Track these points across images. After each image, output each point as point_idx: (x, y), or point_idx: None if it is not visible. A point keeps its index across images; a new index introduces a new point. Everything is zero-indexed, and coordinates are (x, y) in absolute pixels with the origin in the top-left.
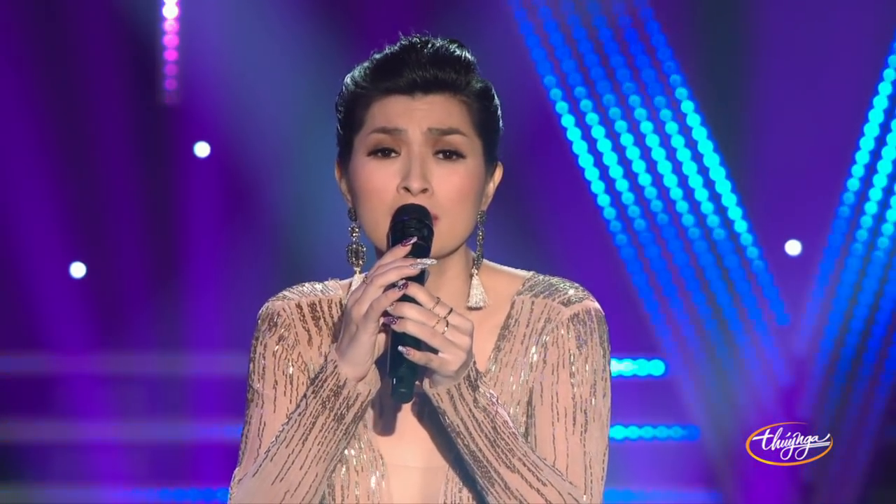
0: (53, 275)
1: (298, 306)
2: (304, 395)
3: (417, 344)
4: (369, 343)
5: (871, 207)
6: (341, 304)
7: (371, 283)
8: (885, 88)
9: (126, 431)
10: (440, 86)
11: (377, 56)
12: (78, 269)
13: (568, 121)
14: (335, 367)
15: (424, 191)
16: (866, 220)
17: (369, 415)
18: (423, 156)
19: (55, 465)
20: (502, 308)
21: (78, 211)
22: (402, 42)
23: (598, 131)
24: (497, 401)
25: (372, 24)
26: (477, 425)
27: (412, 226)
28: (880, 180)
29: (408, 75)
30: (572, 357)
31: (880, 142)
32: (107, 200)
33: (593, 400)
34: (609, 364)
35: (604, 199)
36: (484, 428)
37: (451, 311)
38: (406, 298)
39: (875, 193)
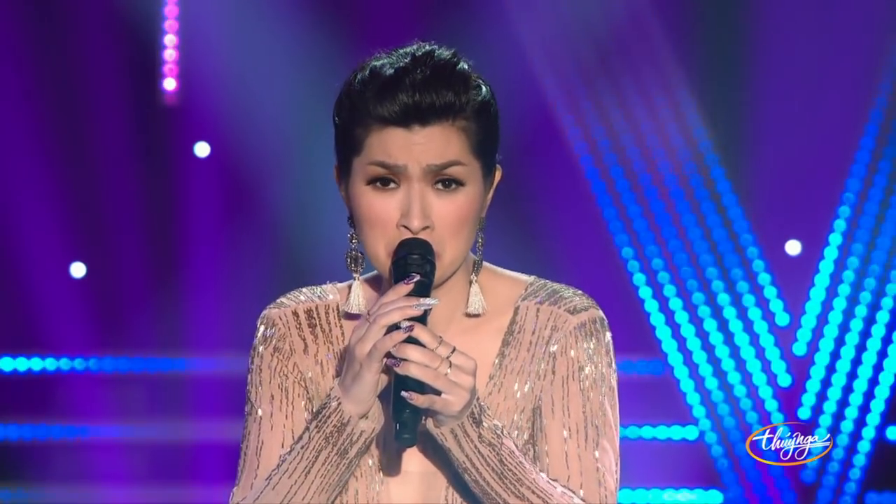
0: (53, 275)
1: (294, 313)
2: (307, 428)
3: (421, 385)
4: (373, 382)
5: (871, 207)
6: (338, 310)
7: (374, 322)
8: (885, 87)
9: (126, 431)
10: (437, 113)
11: (375, 65)
12: (78, 269)
13: (568, 120)
14: (339, 404)
15: (425, 227)
16: (866, 220)
17: None
18: (423, 191)
19: (55, 465)
20: (505, 312)
21: (78, 211)
22: (398, 63)
23: (597, 131)
24: (502, 432)
25: (372, 24)
26: (483, 460)
27: (414, 262)
28: (881, 180)
29: (404, 105)
30: (581, 369)
31: (881, 141)
32: (107, 200)
33: (602, 413)
34: (615, 373)
35: (604, 199)
36: (490, 462)
37: (453, 350)
38: (409, 339)
39: (875, 193)
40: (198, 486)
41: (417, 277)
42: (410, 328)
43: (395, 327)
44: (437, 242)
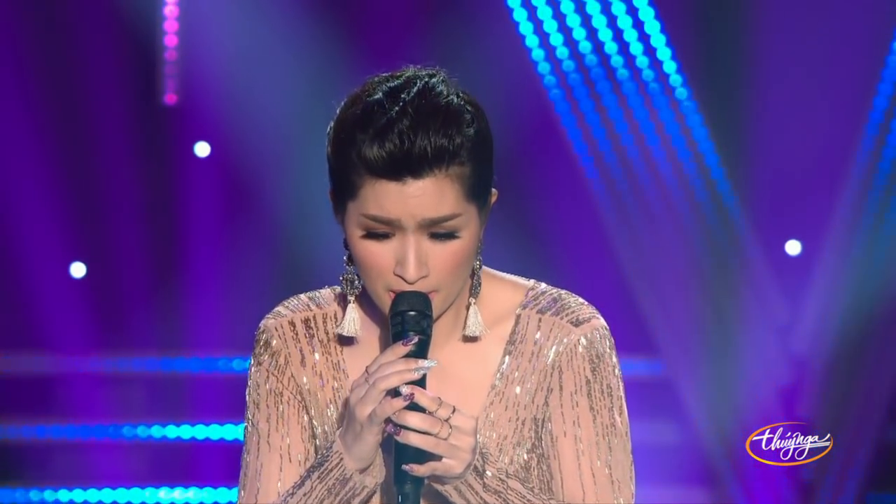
0: (53, 275)
1: (291, 323)
2: (309, 476)
3: (421, 452)
4: (374, 443)
5: (871, 207)
6: (336, 319)
7: (373, 385)
8: (884, 88)
9: (126, 431)
10: (430, 163)
11: (368, 103)
12: (78, 269)
13: (569, 121)
14: (340, 459)
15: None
16: (866, 220)
17: None
18: (418, 241)
19: (55, 465)
20: (506, 319)
21: (78, 211)
22: (390, 108)
23: (598, 132)
24: (507, 474)
25: (372, 23)
26: None
27: (411, 319)
28: (880, 180)
29: (395, 160)
30: (589, 383)
31: (880, 142)
32: (107, 200)
33: (612, 424)
34: (621, 379)
35: (604, 200)
36: None
37: (454, 410)
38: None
39: (875, 193)
40: (198, 486)
41: (416, 339)
42: (411, 396)
43: (394, 391)
44: (433, 285)
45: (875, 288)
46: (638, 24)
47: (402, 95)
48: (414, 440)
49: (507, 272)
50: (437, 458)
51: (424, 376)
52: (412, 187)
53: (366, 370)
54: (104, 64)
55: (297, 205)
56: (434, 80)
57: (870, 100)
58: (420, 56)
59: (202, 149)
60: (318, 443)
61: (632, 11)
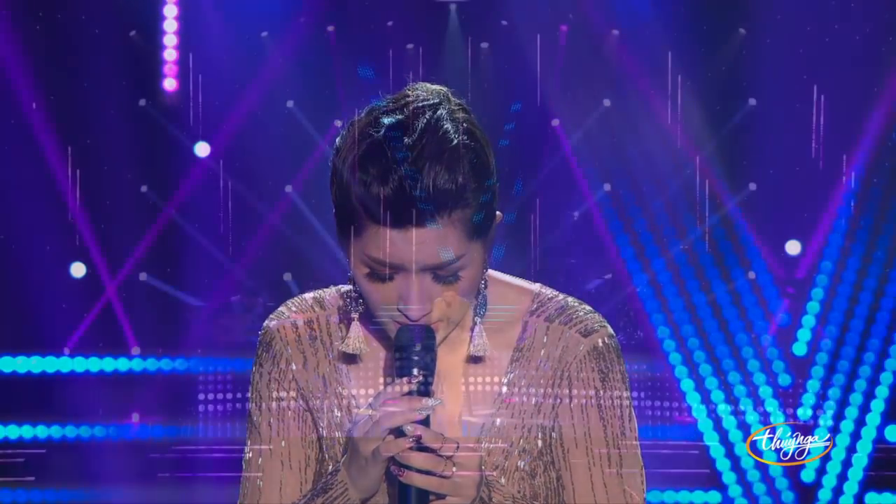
0: (53, 275)
1: (294, 326)
2: (314, 499)
3: (425, 491)
4: (378, 476)
5: (871, 207)
6: (339, 320)
7: (377, 424)
8: (886, 87)
9: (126, 431)
10: (431, 211)
11: (373, 142)
12: (78, 269)
13: (567, 120)
14: (345, 489)
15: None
16: (866, 220)
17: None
18: (421, 281)
19: (55, 465)
20: (513, 324)
21: (78, 211)
22: (394, 151)
23: (597, 130)
24: (514, 498)
25: (372, 24)
26: None
27: (415, 354)
28: (881, 179)
29: (396, 208)
30: (599, 394)
31: (881, 141)
32: (107, 200)
33: (622, 432)
34: (629, 387)
35: (603, 199)
36: None
37: (457, 447)
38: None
39: (875, 193)
40: (198, 486)
41: (420, 377)
42: (417, 437)
43: (399, 433)
44: (437, 317)
45: (874, 287)
46: (637, 23)
47: (406, 139)
48: (418, 481)
49: (506, 272)
50: (442, 496)
51: (430, 416)
52: (414, 235)
53: (369, 405)
54: (104, 64)
55: (297, 205)
56: (439, 112)
57: (871, 98)
58: (419, 53)
59: (202, 149)
60: (323, 444)
61: (631, 10)
